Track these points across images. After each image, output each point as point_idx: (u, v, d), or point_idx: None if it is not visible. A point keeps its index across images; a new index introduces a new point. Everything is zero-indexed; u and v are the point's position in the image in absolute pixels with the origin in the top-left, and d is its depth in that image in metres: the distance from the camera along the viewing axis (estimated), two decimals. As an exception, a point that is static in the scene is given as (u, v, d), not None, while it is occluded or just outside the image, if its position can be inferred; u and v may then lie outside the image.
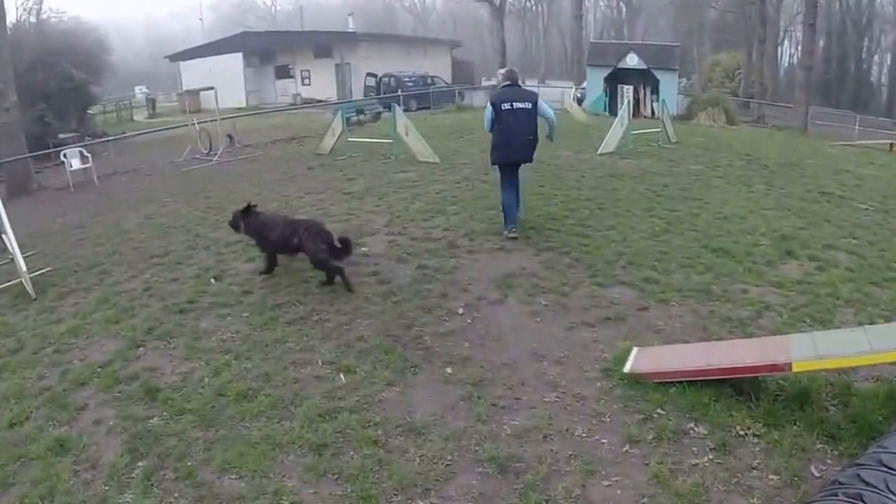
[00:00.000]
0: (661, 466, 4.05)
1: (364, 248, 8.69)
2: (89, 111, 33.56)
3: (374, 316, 6.54)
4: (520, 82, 9.42)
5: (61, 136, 25.96)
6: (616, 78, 31.37)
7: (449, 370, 5.39)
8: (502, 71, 9.38)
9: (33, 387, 5.65)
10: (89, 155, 18.66)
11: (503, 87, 8.87)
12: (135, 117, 45.41)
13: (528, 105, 8.60)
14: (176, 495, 4.08)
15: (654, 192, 11.76)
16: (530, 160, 8.94)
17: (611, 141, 16.51)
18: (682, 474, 3.99)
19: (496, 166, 9.05)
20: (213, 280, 7.88)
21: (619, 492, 3.89)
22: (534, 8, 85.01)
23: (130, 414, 5.00)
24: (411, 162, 15.27)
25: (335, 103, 33.61)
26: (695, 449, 4.22)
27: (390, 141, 16.47)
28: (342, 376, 5.36)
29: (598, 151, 16.13)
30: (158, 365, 5.82)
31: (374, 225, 9.80)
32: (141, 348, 6.21)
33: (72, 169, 17.90)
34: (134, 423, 4.86)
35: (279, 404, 4.97)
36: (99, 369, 5.83)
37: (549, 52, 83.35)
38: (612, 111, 27.77)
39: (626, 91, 30.16)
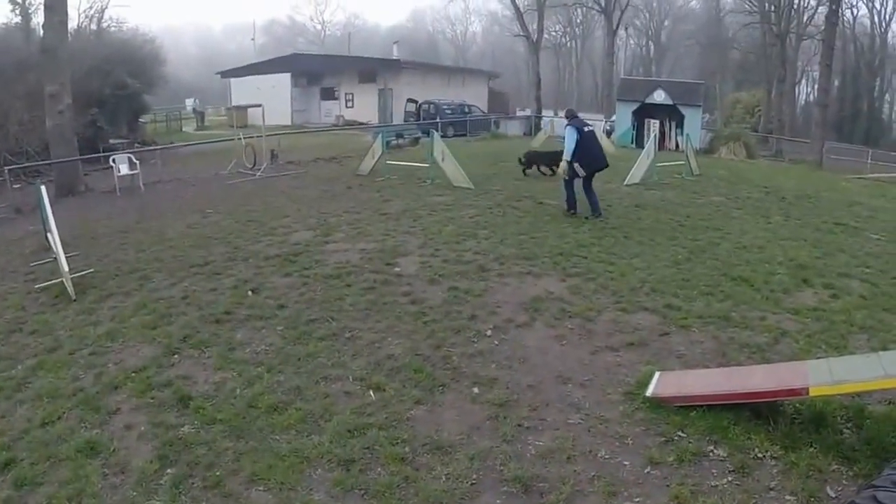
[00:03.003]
0: (682, 488, 4.05)
1: (397, 269, 8.73)
2: (140, 119, 34.20)
3: (405, 335, 6.57)
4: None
5: (112, 141, 26.51)
6: (644, 112, 32.11)
7: (476, 390, 5.40)
8: (550, 112, 11.54)
9: (67, 387, 5.72)
10: (137, 162, 18.94)
11: (573, 118, 12.30)
12: (183, 128, 46.15)
13: (593, 129, 12.69)
14: (203, 504, 4.10)
15: (678, 221, 11.90)
16: (607, 166, 12.48)
17: (637, 172, 16.80)
18: (703, 496, 3.99)
19: (575, 177, 11.98)
20: (250, 292, 7.94)
21: (641, 513, 3.89)
22: (568, 44, 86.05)
23: (162, 420, 5.03)
24: (447, 186, 15.39)
25: (376, 126, 33.90)
26: (714, 471, 4.22)
27: (427, 165, 16.62)
28: (372, 393, 5.37)
29: (625, 182, 16.38)
30: (192, 373, 5.86)
31: (408, 246, 9.85)
32: (176, 356, 6.26)
33: (119, 174, 18.19)
34: (165, 430, 4.89)
35: (309, 418, 4.98)
36: (133, 374, 5.88)
37: (581, 86, 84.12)
38: (639, 144, 28.97)
39: (653, 125, 30.63)
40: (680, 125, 31.03)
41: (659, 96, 31.72)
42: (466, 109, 38.71)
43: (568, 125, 12.09)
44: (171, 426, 4.95)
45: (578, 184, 12.12)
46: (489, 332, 6.61)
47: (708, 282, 8.20)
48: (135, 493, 4.20)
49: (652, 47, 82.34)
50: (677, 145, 29.49)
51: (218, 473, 4.36)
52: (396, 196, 14.29)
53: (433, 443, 4.63)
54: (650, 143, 18.12)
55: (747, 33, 53.61)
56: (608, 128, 34.77)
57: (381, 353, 6.17)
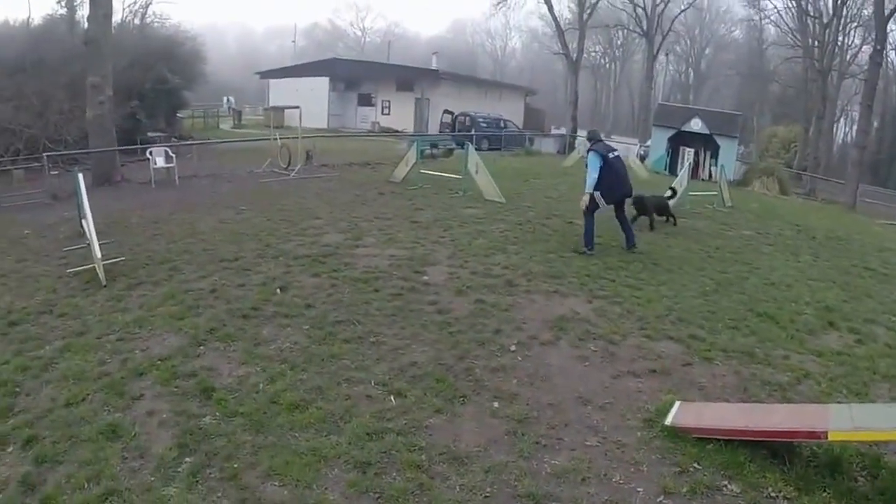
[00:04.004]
0: (693, 520, 3.99)
1: (425, 277, 8.74)
2: (179, 114, 34.56)
3: (429, 344, 6.56)
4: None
5: (150, 134, 26.80)
6: (679, 140, 31.85)
7: (496, 404, 5.38)
8: (584, 132, 10.62)
9: (93, 370, 5.79)
10: (174, 155, 19.21)
11: (596, 142, 10.93)
12: (220, 125, 46.63)
13: (619, 153, 11.24)
14: (219, 494, 4.12)
15: (707, 252, 11.74)
16: (631, 193, 11.62)
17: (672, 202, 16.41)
18: (712, 530, 3.92)
19: (596, 209, 10.73)
20: (278, 290, 7.99)
21: (650, 542, 3.85)
22: (607, 65, 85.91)
23: (184, 410, 5.08)
24: (478, 199, 15.40)
25: (411, 135, 34.01)
26: None
27: (460, 177, 16.66)
28: (392, 398, 5.37)
29: None
30: (216, 365, 5.90)
31: (437, 255, 9.86)
32: (201, 347, 6.32)
33: (156, 166, 18.43)
34: (186, 419, 4.94)
35: (329, 418, 4.99)
36: (159, 362, 5.94)
37: (618, 109, 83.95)
38: (673, 171, 29.09)
39: (688, 153, 30.48)
40: (715, 155, 30.63)
41: (696, 125, 31.42)
42: (502, 124, 38.74)
43: (591, 150, 10.80)
44: (192, 415, 5.00)
45: (608, 215, 11.24)
46: (513, 348, 6.58)
47: (734, 315, 8.08)
48: (153, 479, 4.24)
49: (691, 74, 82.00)
50: (710, 175, 29.10)
51: (235, 465, 4.39)
52: (428, 205, 14.32)
53: (450, 452, 4.62)
54: (684, 172, 18.02)
55: (788, 67, 53.16)
56: (642, 152, 34.78)
57: (405, 359, 6.16)
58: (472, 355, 6.33)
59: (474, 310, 7.59)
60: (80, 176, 9.94)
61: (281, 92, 48.18)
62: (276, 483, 4.24)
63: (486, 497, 4.18)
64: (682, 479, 4.40)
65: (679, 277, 9.73)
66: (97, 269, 8.50)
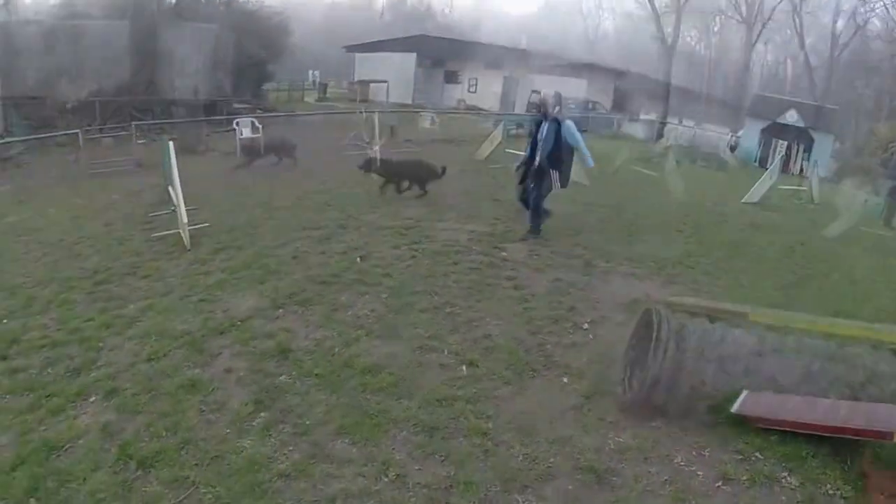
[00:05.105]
0: (748, 509, 3.93)
1: (504, 253, 8.71)
2: (264, 87, 35.14)
3: (504, 318, 6.54)
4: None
5: (236, 106, 27.33)
6: (772, 131, 31.15)
7: (565, 380, 5.37)
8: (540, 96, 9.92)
9: (175, 329, 6.00)
10: (260, 126, 19.54)
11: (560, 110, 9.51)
12: (305, 98, 47.22)
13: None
14: (291, 448, 4.24)
15: (790, 246, 11.33)
16: None
17: (758, 191, 16.27)
18: (767, 521, 3.85)
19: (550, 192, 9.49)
20: (358, 259, 8.08)
21: (704, 525, 3.81)
22: (702, 52, 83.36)
23: (261, 368, 5.23)
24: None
25: (496, 114, 33.82)
26: (784, 498, 4.07)
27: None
28: (464, 368, 5.40)
29: (743, 200, 15.93)
30: (294, 328, 6.02)
31: (517, 233, 9.76)
32: (280, 310, 6.45)
33: (241, 137, 18.78)
34: (263, 377, 5.09)
35: (401, 383, 5.06)
36: (239, 323, 6.11)
37: (712, 96, 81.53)
38: (763, 163, 28.33)
39: (780, 146, 29.75)
40: (808, 149, 29.78)
41: (791, 117, 30.71)
42: (590, 106, 38.18)
43: (567, 118, 9.39)
44: (269, 374, 5.15)
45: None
46: (586, 326, 6.51)
47: (811, 312, 7.81)
48: (228, 431, 4.40)
49: (790, 65, 79.00)
50: (802, 170, 28.20)
51: (308, 422, 4.52)
52: (511, 184, 14.22)
53: (516, 422, 4.66)
54: (775, 164, 17.71)
55: (894, 64, 50.88)
56: (732, 143, 33.91)
57: (479, 331, 6.16)
58: (545, 331, 6.30)
59: (551, 287, 7.53)
60: (171, 143, 10.20)
61: (367, 66, 48.42)
62: (346, 441, 4.35)
63: (548, 467, 4.20)
64: (743, 468, 4.32)
65: (758, 268, 9.47)
66: (182, 233, 8.77)
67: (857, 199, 19.07)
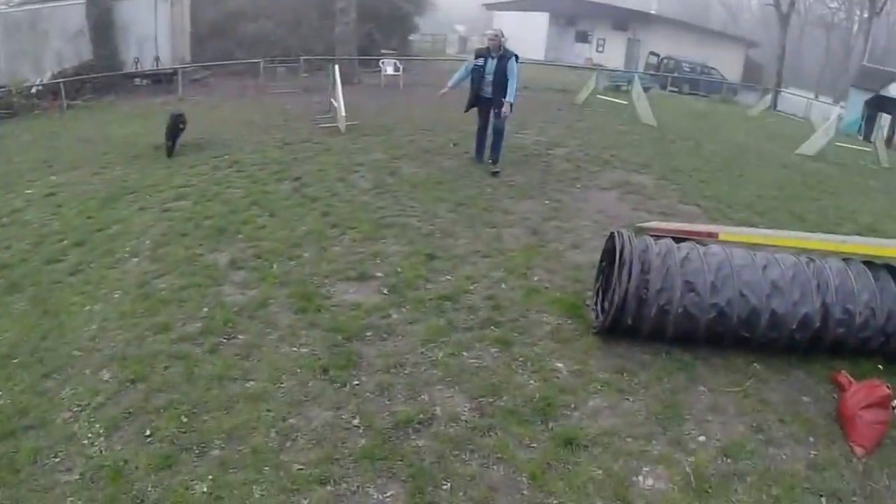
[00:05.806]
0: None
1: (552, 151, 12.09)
2: (409, 37, 38.84)
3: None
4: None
5: (383, 51, 31.21)
6: (877, 105, 28.74)
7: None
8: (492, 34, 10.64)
9: (331, 166, 10.20)
10: (401, 66, 23.62)
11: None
12: (447, 50, 50.51)
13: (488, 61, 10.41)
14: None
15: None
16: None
17: (813, 144, 16.65)
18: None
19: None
20: (452, 144, 11.97)
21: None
22: (841, 24, 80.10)
23: (379, 180, 9.39)
24: (634, 122, 17.51)
25: (610, 70, 35.20)
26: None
27: (625, 103, 19.47)
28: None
29: (797, 151, 16.53)
30: (403, 167, 10.16)
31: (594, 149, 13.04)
32: (396, 161, 10.58)
33: (386, 73, 23.00)
34: (382, 180, 9.36)
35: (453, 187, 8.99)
36: (371, 161, 10.45)
37: (838, 70, 78.39)
38: (867, 136, 26.64)
39: (884, 118, 27.18)
40: (912, 122, 26.81)
41: (894, 89, 28.71)
42: (705, 70, 39.87)
43: (513, 57, 10.15)
44: (385, 182, 9.28)
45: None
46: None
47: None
48: (365, 199, 8.48)
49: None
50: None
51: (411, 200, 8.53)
52: (591, 120, 17.42)
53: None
54: (832, 119, 18.55)
55: None
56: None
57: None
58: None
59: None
60: (336, 68, 14.42)
61: (504, 24, 50.16)
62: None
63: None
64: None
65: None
66: (339, 123, 13.05)
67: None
